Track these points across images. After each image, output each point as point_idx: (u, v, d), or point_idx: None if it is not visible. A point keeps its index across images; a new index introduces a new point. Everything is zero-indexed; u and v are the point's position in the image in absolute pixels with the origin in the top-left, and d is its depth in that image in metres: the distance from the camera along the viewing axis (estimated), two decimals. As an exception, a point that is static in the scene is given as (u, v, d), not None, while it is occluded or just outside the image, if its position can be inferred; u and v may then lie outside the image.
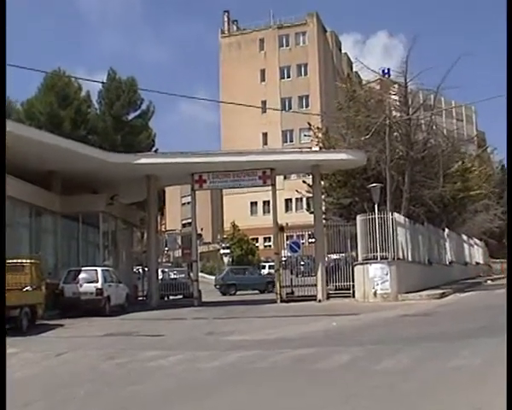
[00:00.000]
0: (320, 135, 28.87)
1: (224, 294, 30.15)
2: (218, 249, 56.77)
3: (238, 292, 30.46)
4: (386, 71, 24.32)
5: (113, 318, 17.63)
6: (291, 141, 66.56)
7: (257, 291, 30.40)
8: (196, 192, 23.89)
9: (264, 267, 52.39)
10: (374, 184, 21.78)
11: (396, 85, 25.21)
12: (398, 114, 25.28)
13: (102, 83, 49.79)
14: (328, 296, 22.11)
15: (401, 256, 21.42)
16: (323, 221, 24.83)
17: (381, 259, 20.34)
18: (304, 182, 29.59)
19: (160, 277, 24.78)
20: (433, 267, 25.56)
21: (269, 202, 55.60)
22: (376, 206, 21.00)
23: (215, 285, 32.30)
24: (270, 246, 62.09)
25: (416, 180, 24.93)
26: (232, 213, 61.62)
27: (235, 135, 63.10)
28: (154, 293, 23.10)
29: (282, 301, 22.15)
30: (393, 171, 23.93)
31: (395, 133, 25.49)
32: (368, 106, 25.56)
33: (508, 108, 14.95)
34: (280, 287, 22.53)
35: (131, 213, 27.03)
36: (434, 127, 26.14)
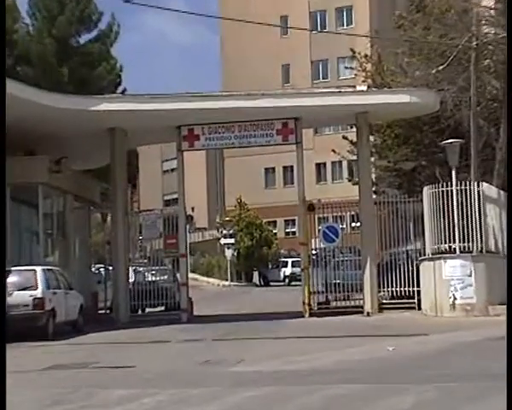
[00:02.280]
0: (369, 67, 28.94)
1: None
2: (218, 239, 56.84)
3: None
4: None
5: (61, 342, 17.81)
6: (325, 77, 67.43)
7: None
8: (185, 154, 24.16)
9: (284, 265, 52.52)
10: (450, 140, 21.64)
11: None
12: (493, 31, 24.88)
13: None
14: (381, 307, 22.41)
15: (492, 248, 21.39)
16: (373, 196, 24.98)
17: (461, 252, 20.38)
18: (344, 138, 29.77)
19: (131, 279, 25.12)
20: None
21: (292, 168, 54.70)
22: (454, 172, 20.91)
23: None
24: (293, 233, 62.72)
25: (517, 133, 25.92)
26: (238, 184, 62.08)
27: (242, 68, 62.87)
28: (122, 304, 23.49)
29: (311, 315, 22.46)
30: (481, 119, 23.96)
31: (486, 61, 25.28)
32: (444, 20, 25.07)
33: (508, 107, 18.24)
34: (309, 294, 22.72)
35: (88, 185, 27.03)
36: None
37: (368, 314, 21.97)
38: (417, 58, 25.82)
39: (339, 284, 23.53)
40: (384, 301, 22.62)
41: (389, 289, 22.58)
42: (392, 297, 22.64)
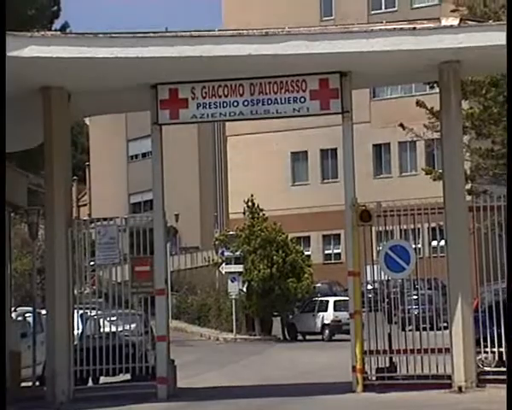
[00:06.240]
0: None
1: None
2: (217, 265, 57.57)
3: None
4: None
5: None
6: (389, 5, 66.24)
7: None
8: (165, 130, 25.05)
9: (323, 307, 52.06)
10: None
11: None
12: None
13: None
14: (482, 379, 22.50)
15: None
16: (468, 197, 25.38)
17: None
18: (420, 105, 30.69)
19: (77, 331, 25.33)
20: None
21: (335, 152, 55.03)
22: None
23: None
24: (337, 256, 61.87)
25: None
26: (248, 178, 61.96)
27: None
28: (61, 370, 23.92)
29: (367, 388, 22.96)
30: None
31: None
32: None
33: (508, 108, 21.59)
34: (362, 354, 23.18)
35: (7, 178, 25.39)
36: None
37: (460, 390, 22.07)
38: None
39: (411, 338, 23.80)
40: (487, 369, 22.53)
41: (495, 349, 22.73)
42: (501, 363, 22.38)
